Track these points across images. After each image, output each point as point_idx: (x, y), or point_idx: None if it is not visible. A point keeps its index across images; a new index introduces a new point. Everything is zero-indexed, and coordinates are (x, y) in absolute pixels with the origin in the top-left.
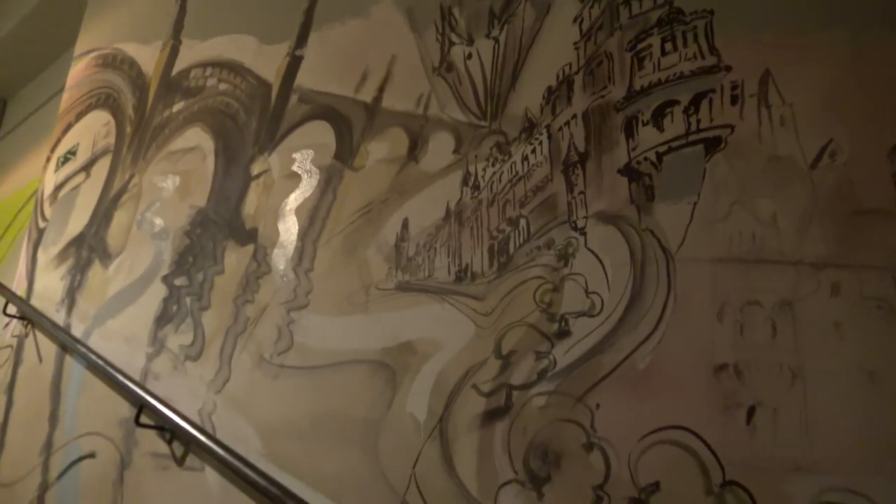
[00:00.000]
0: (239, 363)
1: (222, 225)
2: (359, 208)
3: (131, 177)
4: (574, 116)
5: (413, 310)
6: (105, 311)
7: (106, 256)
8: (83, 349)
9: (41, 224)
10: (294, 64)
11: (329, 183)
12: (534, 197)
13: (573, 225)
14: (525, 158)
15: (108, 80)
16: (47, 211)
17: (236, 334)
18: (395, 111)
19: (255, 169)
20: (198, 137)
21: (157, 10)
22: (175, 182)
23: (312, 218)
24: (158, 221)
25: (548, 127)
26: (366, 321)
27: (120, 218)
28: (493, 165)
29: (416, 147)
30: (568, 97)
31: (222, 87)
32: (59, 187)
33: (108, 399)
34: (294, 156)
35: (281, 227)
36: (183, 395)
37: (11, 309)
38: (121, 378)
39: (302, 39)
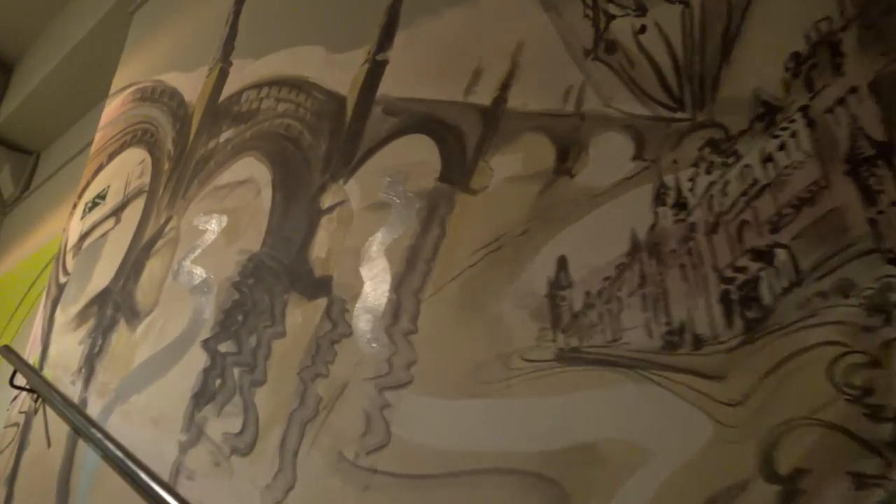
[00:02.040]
0: (308, 463)
1: (282, 273)
2: (482, 245)
3: (168, 219)
4: (853, 90)
5: (591, 392)
6: (129, 384)
7: (133, 316)
8: (97, 434)
9: (62, 279)
10: (376, 70)
11: (434, 213)
12: (797, 214)
13: (889, 255)
14: (769, 159)
15: (146, 115)
16: (69, 264)
17: (303, 421)
18: (530, 112)
19: (327, 201)
20: (250, 168)
21: (201, 34)
22: (221, 223)
23: (411, 260)
24: (199, 271)
25: (804, 109)
26: (507, 409)
27: (152, 269)
28: (709, 173)
29: (567, 156)
30: (835, 64)
31: (281, 107)
32: (84, 236)
33: (129, 499)
34: (381, 181)
35: (365, 273)
36: None
37: (21, 380)
38: (143, 476)
39: (385, 41)
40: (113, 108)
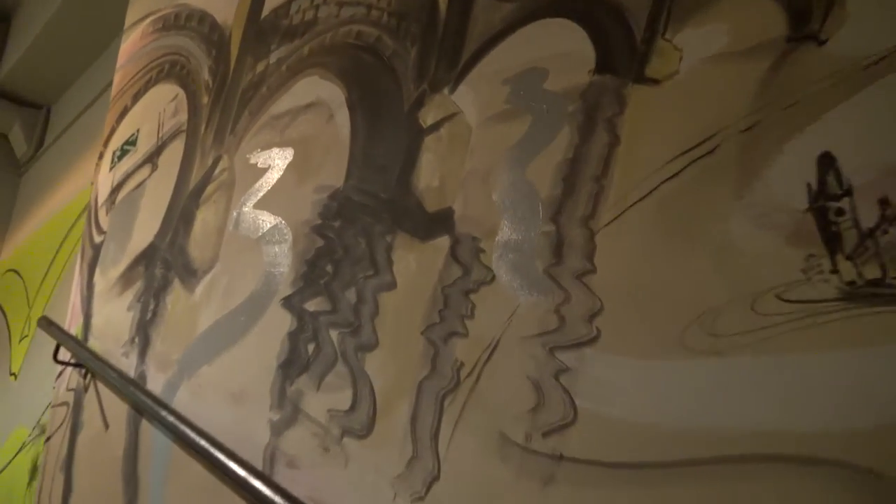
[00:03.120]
0: (455, 448)
1: (380, 210)
2: (682, 149)
3: (216, 160)
4: None
5: None
6: (195, 355)
7: (189, 274)
8: (167, 416)
9: (96, 238)
10: None
11: (595, 115)
12: None
13: None
14: None
15: (171, 45)
16: (103, 221)
17: (439, 393)
18: None
19: (429, 116)
20: (315, 89)
21: None
22: (287, 157)
23: (570, 179)
24: (266, 217)
25: None
26: (769, 370)
27: (205, 218)
28: None
29: (807, 16)
30: None
31: (346, 12)
32: (116, 188)
33: (215, 492)
34: (504, 84)
35: (502, 201)
36: (347, 500)
37: (64, 353)
38: (233, 466)
39: None
40: (131, 44)
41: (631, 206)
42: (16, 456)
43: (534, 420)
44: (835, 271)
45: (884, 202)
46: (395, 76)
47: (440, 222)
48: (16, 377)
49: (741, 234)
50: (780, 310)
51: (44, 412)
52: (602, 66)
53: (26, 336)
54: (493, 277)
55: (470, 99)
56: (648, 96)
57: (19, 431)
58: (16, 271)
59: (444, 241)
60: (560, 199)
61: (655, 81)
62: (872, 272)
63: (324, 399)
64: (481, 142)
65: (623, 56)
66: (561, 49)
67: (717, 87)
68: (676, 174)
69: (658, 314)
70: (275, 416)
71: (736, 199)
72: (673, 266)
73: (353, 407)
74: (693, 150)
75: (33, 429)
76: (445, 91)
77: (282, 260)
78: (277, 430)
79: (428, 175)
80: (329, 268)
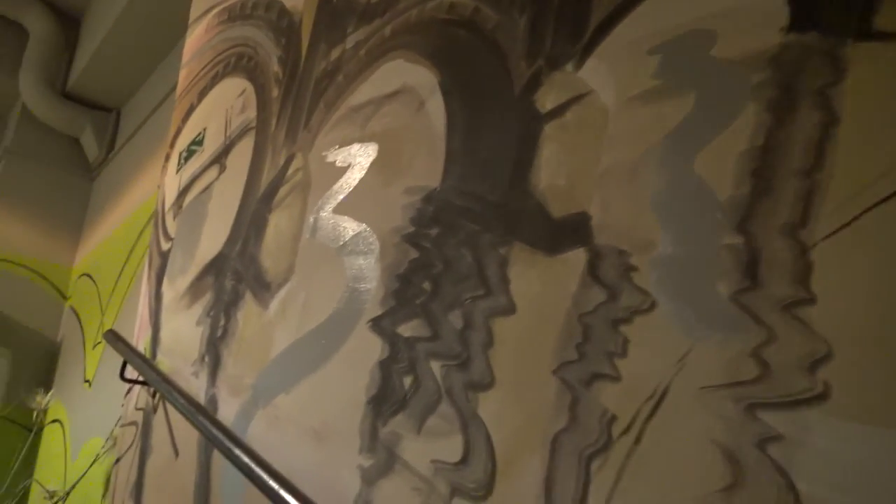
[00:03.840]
0: None
1: (488, 215)
2: None
3: (289, 159)
4: None
5: None
6: (271, 380)
7: (263, 288)
8: (241, 455)
9: (164, 245)
10: None
11: (797, 86)
12: None
13: None
14: None
15: (237, 37)
16: (170, 227)
17: (583, 452)
18: None
19: (548, 99)
20: (401, 74)
21: None
22: (370, 154)
23: (763, 174)
24: (347, 224)
25: None
26: None
27: (278, 224)
28: None
29: None
30: None
31: None
32: (183, 192)
33: None
34: (652, 52)
35: (661, 202)
36: None
37: (132, 371)
38: None
39: None
40: (195, 39)
41: (866, 211)
42: (90, 467)
43: (727, 502)
44: None
45: None
46: (501, 53)
47: (571, 231)
48: (90, 385)
49: None
50: None
51: (116, 423)
52: (801, 20)
53: (99, 343)
54: (653, 304)
55: (603, 75)
56: (881, 56)
57: (94, 441)
58: (89, 276)
59: (577, 256)
60: (749, 200)
61: (890, 36)
62: None
63: (426, 446)
64: (624, 128)
65: (834, 5)
66: (732, 3)
67: None
68: None
69: None
70: (366, 461)
71: None
72: None
73: (464, 459)
74: None
75: (107, 440)
76: (569, 67)
77: (368, 274)
78: (369, 478)
79: (551, 172)
80: (426, 285)
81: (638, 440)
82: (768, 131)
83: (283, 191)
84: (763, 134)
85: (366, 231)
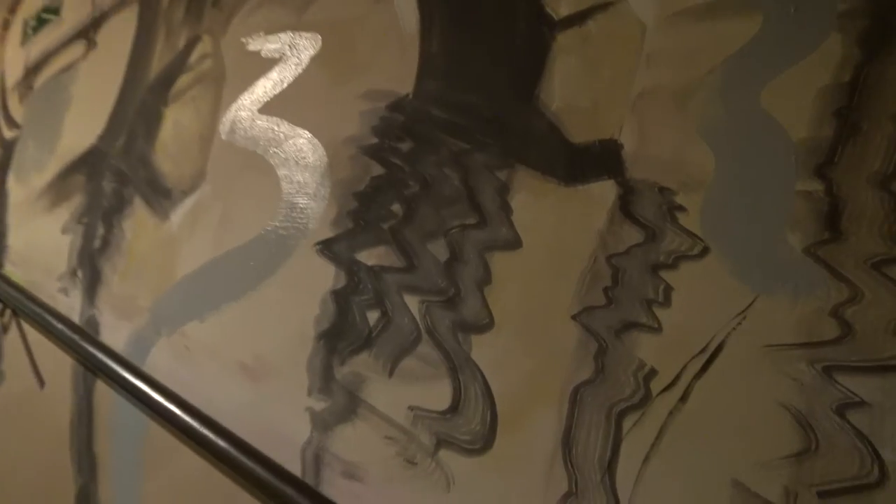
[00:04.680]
0: (647, 492)
1: (481, 132)
2: None
3: (192, 41)
4: None
5: None
6: (178, 305)
7: (160, 194)
8: (145, 388)
9: (6, 133)
10: None
11: (894, 18)
12: None
13: None
14: None
15: None
16: (15, 111)
17: (613, 407)
18: None
19: (562, 3)
20: None
21: None
22: (310, 46)
23: (853, 116)
24: (281, 128)
25: None
26: None
27: (179, 121)
28: None
29: None
30: None
31: None
32: (34, 69)
33: (226, 493)
34: None
35: (718, 135)
36: None
37: None
38: (262, 472)
39: None
40: None
41: None
42: None
43: (800, 471)
44: None
45: None
46: None
47: (596, 159)
48: None
49: None
50: None
51: None
52: None
53: None
54: (705, 250)
55: None
56: None
57: None
58: None
59: (605, 189)
60: (831, 143)
61: None
62: None
63: (401, 390)
64: (667, 48)
65: None
66: None
67: None
68: None
69: None
70: (317, 403)
71: None
72: None
73: (454, 408)
74: None
75: None
76: None
77: (313, 189)
78: (324, 423)
79: (569, 89)
80: (397, 207)
81: (684, 398)
82: (856, 68)
83: (184, 80)
84: (850, 69)
85: (307, 137)
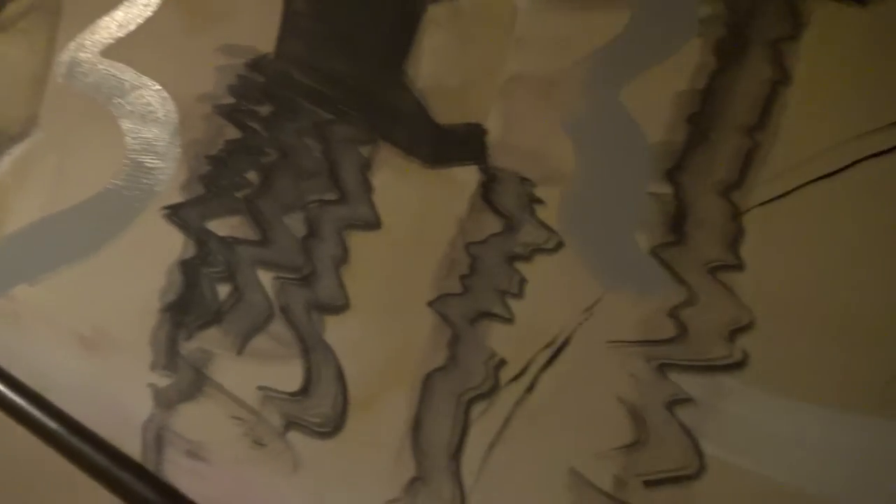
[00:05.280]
0: (490, 477)
1: (345, 102)
2: None
3: None
4: None
5: None
6: (4, 263)
7: None
8: None
9: None
10: None
11: (749, 32)
12: None
13: None
14: None
15: None
16: None
17: (462, 395)
18: None
19: None
20: None
21: None
22: None
23: (704, 122)
24: (126, 75)
25: None
26: None
27: (6, 55)
28: None
29: None
30: None
31: None
32: None
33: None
34: None
35: (580, 130)
36: None
37: None
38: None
39: None
40: None
41: (808, 182)
42: None
43: (630, 462)
44: None
45: None
46: None
47: (460, 143)
48: None
49: None
50: None
51: None
52: None
53: None
54: (559, 244)
55: None
56: (847, 19)
57: None
58: None
59: (468, 174)
60: (683, 148)
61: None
62: None
63: (251, 369)
64: (538, 33)
65: None
66: None
67: None
68: (889, 151)
69: (850, 347)
70: (160, 380)
71: None
72: (878, 281)
73: (304, 390)
74: None
75: None
76: None
77: (161, 148)
78: (167, 401)
79: (437, 66)
80: (253, 175)
81: (530, 388)
82: (712, 76)
83: (13, 7)
84: (705, 77)
85: (156, 90)
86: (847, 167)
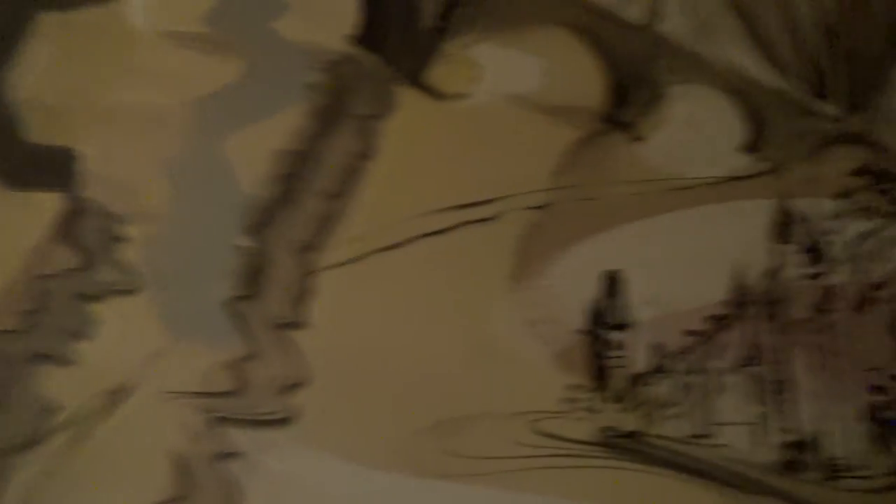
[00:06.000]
0: None
1: None
2: (459, 202)
3: None
4: None
5: None
6: None
7: None
8: None
9: None
10: None
11: (346, 104)
12: None
13: None
14: None
15: None
16: None
17: (9, 445)
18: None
19: None
20: None
21: None
22: None
23: (293, 183)
24: None
25: None
26: None
27: None
28: (865, 217)
29: (627, 101)
30: None
31: None
32: None
33: None
34: None
35: (177, 173)
36: None
37: None
38: None
39: None
40: None
41: (374, 252)
42: None
43: None
44: (597, 411)
45: (660, 349)
46: None
47: (48, 167)
48: None
49: (508, 334)
50: (536, 441)
51: None
52: (368, 36)
53: None
54: (136, 288)
55: None
56: (429, 113)
57: None
58: None
59: (50, 201)
60: (271, 205)
61: (437, 95)
62: (635, 423)
63: None
64: (151, 64)
65: (400, 35)
66: None
67: (518, 139)
68: (445, 231)
69: (389, 408)
70: None
71: (509, 289)
72: (418, 348)
73: None
74: (471, 207)
75: None
76: None
77: None
78: None
79: (38, 80)
80: None
81: (84, 437)
82: (308, 140)
83: None
84: (303, 140)
85: None
86: (408, 241)
